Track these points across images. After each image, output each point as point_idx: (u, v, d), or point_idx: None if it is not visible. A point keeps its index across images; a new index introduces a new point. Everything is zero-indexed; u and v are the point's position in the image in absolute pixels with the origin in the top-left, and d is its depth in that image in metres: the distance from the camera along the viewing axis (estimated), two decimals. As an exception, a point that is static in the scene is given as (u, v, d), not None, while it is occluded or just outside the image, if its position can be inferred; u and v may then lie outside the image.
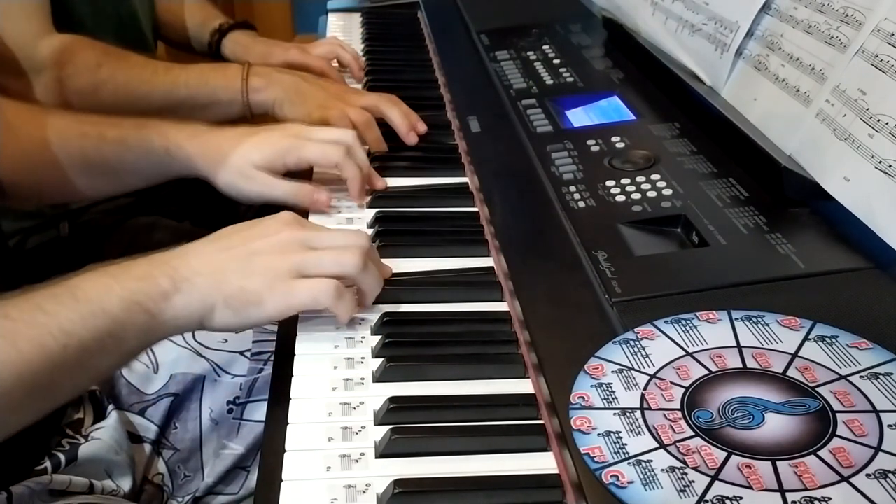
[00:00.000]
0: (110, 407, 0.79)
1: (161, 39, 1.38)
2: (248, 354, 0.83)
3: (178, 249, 0.64)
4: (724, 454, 0.50)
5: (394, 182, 0.92)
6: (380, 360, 0.63)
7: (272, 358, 0.81)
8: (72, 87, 1.01)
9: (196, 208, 1.29)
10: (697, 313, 0.62)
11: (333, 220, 0.84)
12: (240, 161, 0.83)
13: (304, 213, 0.84)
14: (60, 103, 0.99)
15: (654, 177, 0.80)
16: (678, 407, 0.54)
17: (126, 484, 0.77)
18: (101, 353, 0.58)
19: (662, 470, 0.50)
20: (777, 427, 0.52)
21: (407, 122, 1.00)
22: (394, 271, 0.74)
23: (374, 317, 0.69)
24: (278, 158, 0.83)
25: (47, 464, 0.72)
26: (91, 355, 0.58)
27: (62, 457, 0.73)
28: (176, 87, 1.03)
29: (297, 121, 1.01)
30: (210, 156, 0.84)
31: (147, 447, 0.82)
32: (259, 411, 0.82)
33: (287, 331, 0.67)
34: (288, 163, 0.83)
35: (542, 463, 0.55)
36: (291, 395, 0.61)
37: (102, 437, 0.76)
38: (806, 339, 0.59)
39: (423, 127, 1.01)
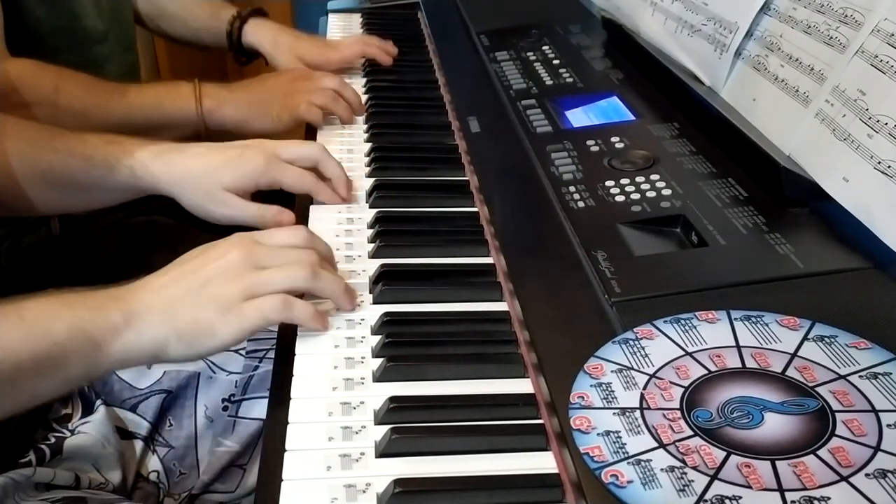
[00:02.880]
0: (98, 402, 0.79)
1: (161, 35, 1.39)
2: (243, 352, 0.83)
3: (136, 283, 0.64)
4: (724, 454, 0.50)
5: (394, 182, 0.92)
6: (380, 360, 0.63)
7: (268, 355, 0.82)
8: (28, 111, 0.98)
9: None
10: (697, 313, 0.62)
11: (334, 219, 0.84)
12: (208, 183, 0.82)
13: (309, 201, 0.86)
14: None
15: (654, 177, 0.81)
16: (677, 406, 0.54)
17: (115, 477, 0.77)
18: (38, 376, 0.58)
19: (662, 469, 0.50)
20: (776, 427, 0.52)
21: (350, 112, 1.05)
22: (394, 271, 0.75)
23: (374, 317, 0.69)
24: (251, 181, 0.82)
25: (31, 456, 0.72)
26: (25, 376, 0.57)
27: (47, 450, 0.74)
28: (131, 111, 1.02)
29: (268, 133, 1.01)
30: (176, 177, 0.82)
31: (139, 443, 0.82)
32: (255, 409, 0.82)
33: (287, 330, 0.67)
34: (261, 183, 0.83)
35: (542, 462, 0.55)
36: (291, 395, 0.61)
37: (89, 431, 0.76)
38: (805, 338, 0.59)
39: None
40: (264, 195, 0.85)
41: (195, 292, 0.63)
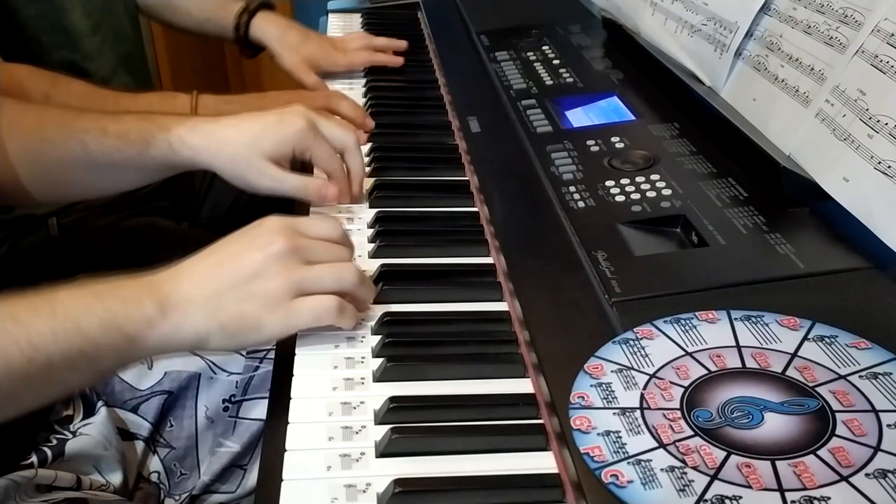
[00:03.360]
0: (99, 403, 0.79)
1: (165, 25, 1.39)
2: (244, 352, 0.83)
3: (171, 270, 0.62)
4: (724, 454, 0.50)
5: (394, 182, 0.92)
6: (380, 360, 0.63)
7: (268, 356, 0.82)
8: None
9: (191, 208, 1.29)
10: (697, 313, 0.62)
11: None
12: (248, 152, 0.80)
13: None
14: None
15: (654, 177, 0.81)
16: (677, 406, 0.54)
17: (116, 479, 0.77)
18: (70, 370, 0.57)
19: (662, 469, 0.50)
20: (776, 427, 0.52)
21: (360, 112, 1.03)
22: (394, 271, 0.75)
23: (374, 317, 0.69)
24: (289, 146, 0.80)
25: (33, 458, 0.72)
26: (58, 371, 0.57)
27: (48, 451, 0.74)
28: None
29: None
30: (215, 148, 0.80)
31: (140, 444, 0.82)
32: (255, 409, 0.82)
33: (287, 330, 0.67)
34: (297, 151, 0.81)
35: (542, 462, 0.55)
36: (291, 395, 0.61)
37: (90, 432, 0.76)
38: (805, 338, 0.59)
39: (371, 123, 1.03)
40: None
41: (241, 284, 0.61)
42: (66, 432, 0.76)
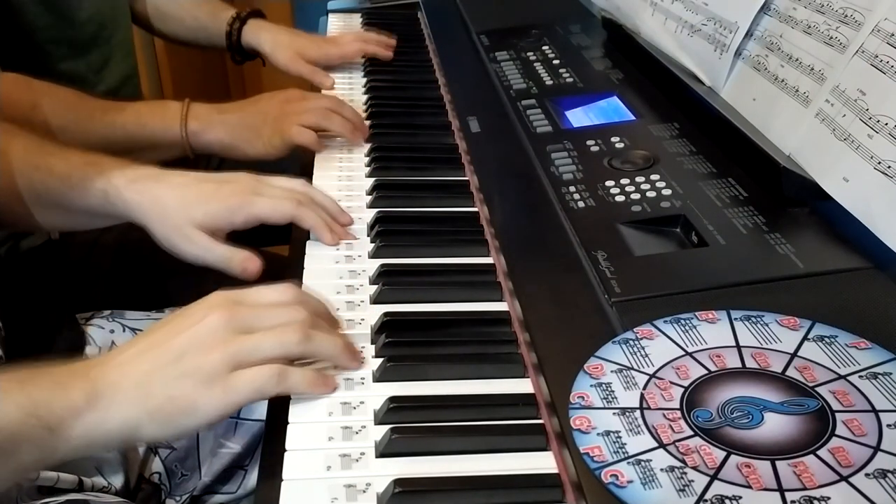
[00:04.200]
0: None
1: (159, 35, 1.39)
2: None
3: (103, 356, 0.58)
4: (724, 454, 0.50)
5: (394, 182, 0.92)
6: (380, 360, 0.63)
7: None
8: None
9: None
10: (697, 313, 0.62)
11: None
12: (180, 218, 0.76)
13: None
14: None
15: (654, 177, 0.81)
16: (677, 406, 0.54)
17: (117, 481, 0.76)
18: None
19: (662, 469, 0.50)
20: (776, 427, 0.52)
21: (349, 125, 1.00)
22: (393, 271, 0.75)
23: (374, 317, 0.69)
24: (225, 218, 0.77)
25: None
26: None
27: None
28: (113, 130, 0.97)
29: (259, 158, 0.98)
30: (148, 207, 0.77)
31: (141, 446, 0.81)
32: (256, 410, 0.82)
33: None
34: (236, 222, 0.77)
35: (542, 462, 0.55)
36: (292, 395, 0.61)
37: None
38: (805, 338, 0.59)
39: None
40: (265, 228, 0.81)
41: (170, 365, 0.56)
42: None
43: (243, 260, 0.77)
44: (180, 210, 0.77)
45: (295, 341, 0.59)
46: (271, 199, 0.78)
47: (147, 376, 0.56)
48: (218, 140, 0.98)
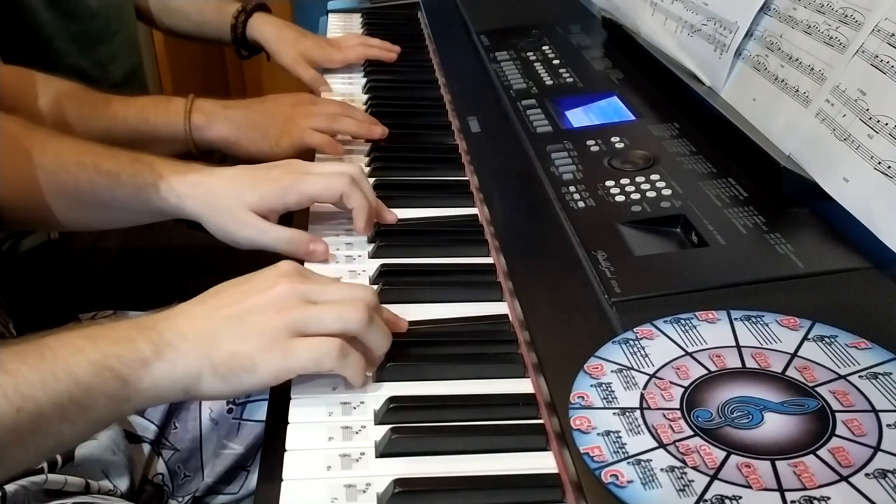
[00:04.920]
0: None
1: (163, 30, 1.40)
2: None
3: (168, 311, 0.60)
4: (724, 454, 0.50)
5: (394, 182, 0.92)
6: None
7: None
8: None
9: None
10: (697, 313, 0.62)
11: (334, 219, 0.84)
12: (233, 203, 0.77)
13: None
14: None
15: (654, 177, 0.81)
16: (677, 406, 0.54)
17: (123, 484, 0.76)
18: (62, 420, 0.53)
19: (662, 469, 0.50)
20: (776, 427, 0.52)
21: (365, 126, 1.00)
22: (393, 271, 0.75)
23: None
24: (278, 198, 0.77)
25: (43, 463, 0.71)
26: (49, 422, 0.53)
27: (58, 457, 0.73)
28: (114, 122, 0.98)
29: (262, 158, 0.96)
30: (201, 196, 0.78)
31: (146, 447, 0.82)
32: (259, 411, 0.82)
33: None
34: (289, 202, 0.78)
35: (542, 462, 0.55)
36: (291, 395, 0.61)
37: (99, 437, 0.75)
38: (805, 338, 0.59)
39: (378, 131, 1.00)
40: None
41: (236, 322, 0.58)
42: None
43: (308, 240, 0.78)
44: (233, 196, 0.77)
45: (357, 319, 0.60)
46: (322, 176, 0.79)
47: (214, 330, 0.58)
48: (221, 136, 0.99)
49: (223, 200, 0.78)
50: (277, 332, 0.58)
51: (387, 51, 1.28)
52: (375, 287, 0.72)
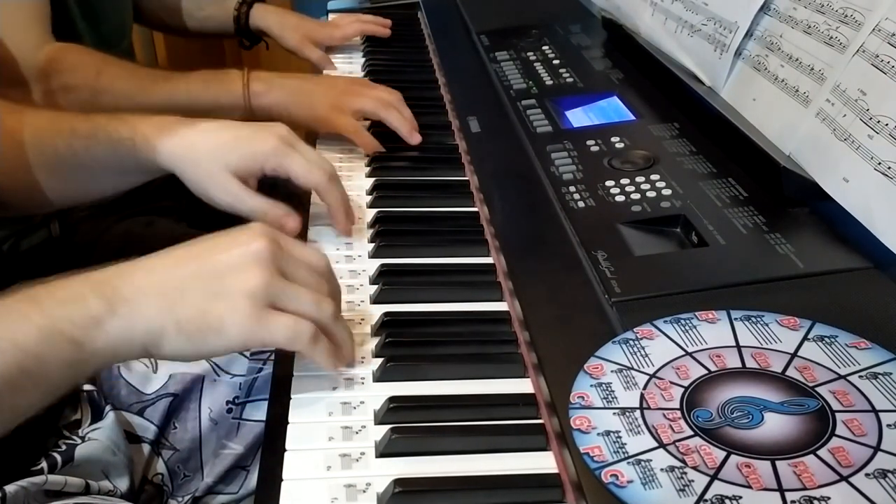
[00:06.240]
0: (108, 407, 0.79)
1: (163, 29, 1.44)
2: (247, 354, 0.83)
3: (123, 264, 0.55)
4: (724, 454, 0.50)
5: (394, 182, 0.92)
6: (380, 360, 0.63)
7: (271, 357, 0.82)
8: (71, 94, 1.00)
9: (192, 209, 1.29)
10: (697, 313, 0.62)
11: (332, 232, 0.84)
12: (212, 163, 0.74)
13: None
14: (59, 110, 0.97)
15: (654, 177, 0.81)
16: (677, 406, 0.54)
17: (123, 484, 0.76)
18: (14, 393, 0.50)
19: (662, 469, 0.50)
20: (776, 427, 0.52)
21: (408, 126, 1.00)
22: (393, 271, 0.75)
23: (374, 317, 0.69)
24: (258, 163, 0.75)
25: (43, 464, 0.71)
26: (0, 396, 0.50)
27: (58, 457, 0.72)
28: (176, 94, 1.02)
29: (305, 122, 1.01)
30: (179, 151, 0.75)
31: (146, 447, 0.82)
32: (258, 411, 0.82)
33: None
34: (266, 168, 0.76)
35: (542, 462, 0.55)
36: (291, 395, 0.61)
37: (99, 437, 0.75)
38: (805, 338, 0.59)
39: (417, 138, 1.01)
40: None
41: (209, 277, 0.54)
42: (75, 437, 0.75)
43: (282, 216, 0.76)
44: (214, 153, 0.75)
45: (328, 314, 0.58)
46: (307, 160, 0.77)
47: (182, 284, 0.54)
48: (276, 101, 1.02)
49: (202, 158, 0.75)
50: (255, 298, 0.54)
51: (381, 26, 1.36)
52: (374, 287, 0.72)
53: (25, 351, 0.50)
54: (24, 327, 0.51)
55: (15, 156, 0.79)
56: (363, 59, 1.31)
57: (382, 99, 1.01)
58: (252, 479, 0.83)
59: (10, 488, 0.66)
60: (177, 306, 0.54)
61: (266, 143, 0.76)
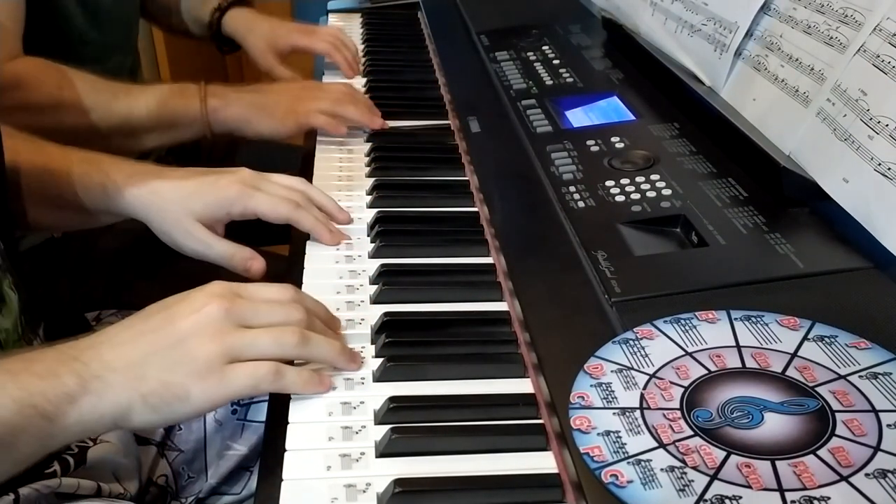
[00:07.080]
0: None
1: (158, 26, 1.43)
2: None
3: (92, 337, 0.57)
4: (724, 454, 0.50)
5: (394, 182, 0.92)
6: (380, 360, 0.63)
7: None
8: (33, 108, 0.99)
9: None
10: (697, 313, 0.62)
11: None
12: (178, 211, 0.77)
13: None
14: (21, 125, 0.90)
15: (654, 177, 0.81)
16: (677, 406, 0.54)
17: (133, 487, 0.76)
18: None
19: (662, 469, 0.50)
20: (776, 427, 0.52)
21: (367, 115, 1.03)
22: (393, 271, 0.75)
23: (374, 317, 0.69)
24: (223, 209, 0.77)
25: (56, 467, 0.70)
26: None
27: (71, 460, 0.72)
28: (136, 109, 1.01)
29: (269, 136, 1.02)
30: (147, 200, 0.77)
31: (153, 449, 0.82)
32: (262, 412, 0.82)
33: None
34: (233, 213, 0.78)
35: (542, 462, 0.55)
36: (291, 395, 0.61)
37: (111, 439, 0.75)
38: (805, 338, 0.59)
39: (379, 122, 1.04)
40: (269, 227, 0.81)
41: (167, 350, 0.56)
42: (87, 439, 0.75)
43: (246, 259, 0.78)
44: (179, 202, 0.77)
45: (292, 343, 0.59)
46: (270, 197, 0.78)
47: (143, 359, 0.55)
48: (234, 116, 1.02)
49: (169, 206, 0.77)
50: (211, 360, 0.56)
51: (349, 65, 1.27)
52: (374, 287, 0.72)
53: (1, 422, 0.51)
54: (1, 399, 0.51)
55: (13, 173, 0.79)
56: (363, 59, 1.31)
57: (335, 97, 1.03)
58: (254, 480, 0.83)
59: (23, 491, 0.65)
60: (140, 381, 0.55)
61: (229, 189, 0.77)
